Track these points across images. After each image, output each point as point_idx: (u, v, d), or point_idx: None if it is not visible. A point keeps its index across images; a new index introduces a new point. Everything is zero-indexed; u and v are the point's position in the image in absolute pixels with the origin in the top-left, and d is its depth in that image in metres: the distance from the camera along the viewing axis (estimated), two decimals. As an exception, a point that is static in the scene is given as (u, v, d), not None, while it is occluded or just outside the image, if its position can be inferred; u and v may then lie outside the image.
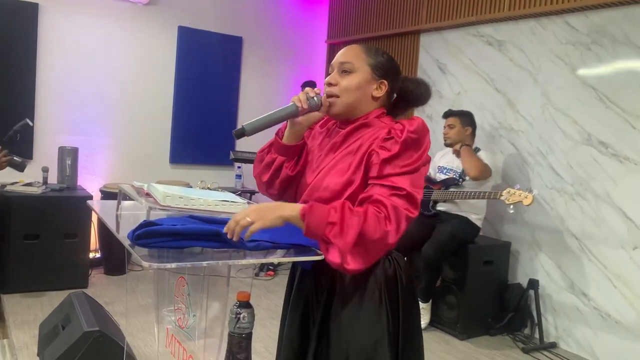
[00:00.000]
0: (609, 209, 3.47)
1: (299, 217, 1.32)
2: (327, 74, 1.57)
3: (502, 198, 3.41)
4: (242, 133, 1.44)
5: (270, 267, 4.79)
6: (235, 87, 5.62)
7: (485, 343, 3.70)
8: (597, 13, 3.56)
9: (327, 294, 1.49)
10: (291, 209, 1.34)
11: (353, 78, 1.49)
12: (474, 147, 3.85)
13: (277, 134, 1.60)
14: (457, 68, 4.56)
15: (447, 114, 3.95)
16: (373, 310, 1.44)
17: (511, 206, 3.36)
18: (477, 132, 4.22)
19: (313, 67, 6.03)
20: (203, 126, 5.41)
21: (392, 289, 1.47)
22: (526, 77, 3.99)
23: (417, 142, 1.40)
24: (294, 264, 1.70)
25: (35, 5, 4.50)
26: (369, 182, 1.40)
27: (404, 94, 1.59)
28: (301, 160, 1.58)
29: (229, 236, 1.32)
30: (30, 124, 3.35)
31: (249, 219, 1.31)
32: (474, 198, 3.66)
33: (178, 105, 5.26)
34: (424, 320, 3.83)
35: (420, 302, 3.84)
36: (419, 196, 1.40)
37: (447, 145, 3.93)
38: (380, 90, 1.52)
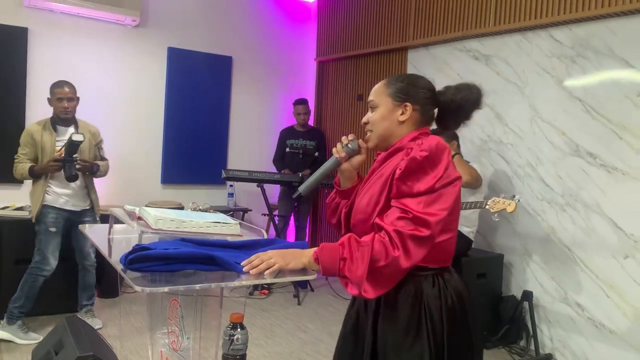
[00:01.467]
0: (599, 218, 3.50)
1: (313, 261, 1.43)
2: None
3: (487, 207, 3.43)
4: (300, 196, 1.70)
5: (265, 285, 4.77)
6: (226, 106, 5.64)
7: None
8: (581, 26, 3.62)
9: (372, 316, 1.56)
10: (307, 255, 1.45)
11: (378, 112, 1.60)
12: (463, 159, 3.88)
13: (335, 182, 1.73)
14: (445, 83, 4.52)
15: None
16: (413, 330, 1.48)
17: (495, 215, 3.38)
18: (467, 145, 4.26)
19: (303, 85, 6.06)
20: (194, 146, 5.42)
21: (435, 309, 1.49)
22: (513, 91, 4.04)
23: (430, 160, 1.43)
24: None
25: (25, 30, 4.52)
26: (391, 202, 1.46)
27: (445, 105, 1.62)
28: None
29: (245, 269, 1.41)
30: (78, 139, 3.38)
31: (272, 261, 1.42)
32: (462, 208, 3.68)
33: (169, 125, 5.28)
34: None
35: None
36: (435, 217, 1.40)
37: None
38: (405, 113, 1.58)
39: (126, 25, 5.00)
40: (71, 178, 3.44)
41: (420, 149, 1.43)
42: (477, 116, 4.58)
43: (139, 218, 1.56)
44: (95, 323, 3.73)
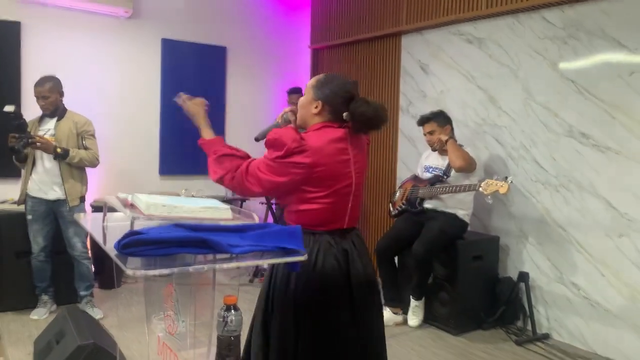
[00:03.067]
0: (592, 199, 3.53)
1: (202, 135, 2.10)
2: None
3: (480, 189, 3.45)
4: (257, 139, 2.09)
5: (265, 272, 4.80)
6: (222, 96, 5.65)
7: (479, 337, 3.74)
8: (572, 7, 3.62)
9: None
10: (207, 132, 2.11)
11: (302, 99, 2.02)
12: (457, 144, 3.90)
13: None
14: (439, 67, 4.62)
15: (422, 121, 3.96)
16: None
17: (489, 196, 3.40)
18: (462, 129, 4.28)
19: (298, 73, 6.07)
20: (191, 136, 5.31)
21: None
22: (507, 73, 4.05)
23: (275, 142, 1.86)
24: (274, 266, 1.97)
25: (17, 24, 4.52)
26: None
27: (352, 113, 1.93)
28: None
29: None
30: (10, 109, 3.52)
31: (189, 106, 2.25)
32: (456, 192, 3.70)
33: (165, 116, 5.29)
34: (417, 317, 3.87)
35: (413, 300, 3.89)
36: (263, 176, 1.86)
37: (435, 150, 3.96)
38: (317, 108, 1.96)
39: (119, 17, 5.00)
40: (14, 152, 3.57)
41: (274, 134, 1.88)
42: (471, 100, 4.62)
43: (132, 205, 1.58)
44: (96, 313, 3.77)
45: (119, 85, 5.07)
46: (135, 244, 1.35)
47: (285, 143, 1.82)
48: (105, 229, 1.75)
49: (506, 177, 3.41)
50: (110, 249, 1.41)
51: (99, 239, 1.61)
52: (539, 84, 3.83)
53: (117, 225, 1.78)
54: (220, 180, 1.94)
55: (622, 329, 3.38)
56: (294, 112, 2.08)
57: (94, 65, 4.92)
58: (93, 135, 3.88)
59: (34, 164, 3.74)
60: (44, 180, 3.73)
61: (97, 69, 4.94)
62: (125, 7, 4.82)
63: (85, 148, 3.81)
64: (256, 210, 5.59)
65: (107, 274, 4.46)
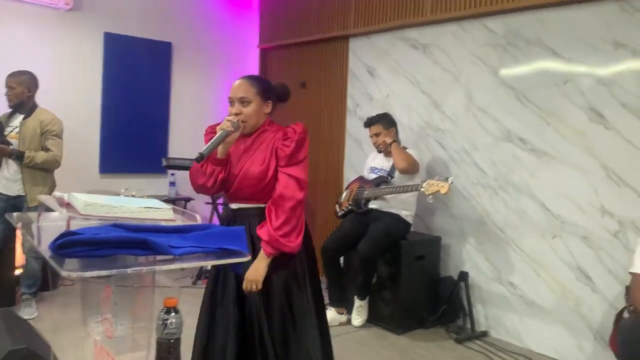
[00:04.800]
0: (529, 201, 3.68)
1: (268, 258, 2.09)
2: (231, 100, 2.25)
3: (422, 189, 3.54)
4: (202, 157, 1.99)
5: (208, 274, 4.72)
6: (166, 93, 5.53)
7: (421, 336, 3.83)
8: (512, 16, 3.76)
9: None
10: (264, 259, 2.09)
11: (251, 107, 2.15)
12: (401, 146, 3.97)
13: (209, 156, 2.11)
14: (385, 71, 4.69)
15: (368, 123, 4.05)
16: None
17: (430, 197, 3.50)
18: (406, 132, 4.37)
19: (246, 72, 5.91)
20: (134, 134, 5.29)
21: None
22: (450, 79, 4.16)
23: (304, 140, 2.14)
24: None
25: (-53, 12, 4.28)
26: (278, 169, 2.12)
27: (279, 98, 2.28)
28: (228, 165, 2.20)
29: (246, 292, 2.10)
30: None
31: (255, 280, 2.08)
32: (400, 192, 3.78)
33: (107, 113, 5.13)
34: (361, 317, 3.92)
35: (357, 300, 3.93)
36: (303, 179, 2.12)
37: (380, 152, 4.03)
38: (268, 108, 2.21)
39: (59, 8, 4.81)
40: None
41: (299, 132, 2.13)
42: (416, 104, 4.71)
43: (68, 204, 1.52)
44: (27, 313, 3.65)
45: (58, 80, 4.87)
46: (71, 244, 1.30)
47: (306, 138, 2.15)
48: (40, 229, 1.68)
49: (447, 178, 3.51)
50: (44, 249, 1.36)
51: (33, 239, 1.54)
52: (480, 89, 3.96)
53: (53, 225, 1.71)
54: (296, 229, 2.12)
55: (554, 325, 3.54)
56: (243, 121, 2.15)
57: (32, 58, 4.69)
58: (57, 136, 3.81)
59: (6, 162, 3.77)
60: (9, 178, 3.74)
61: (35, 62, 4.70)
62: (65, -2, 4.65)
63: (47, 149, 3.74)
64: (200, 210, 5.51)
65: (44, 276, 4.29)
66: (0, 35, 4.55)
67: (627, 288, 2.81)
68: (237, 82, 2.20)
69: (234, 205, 2.22)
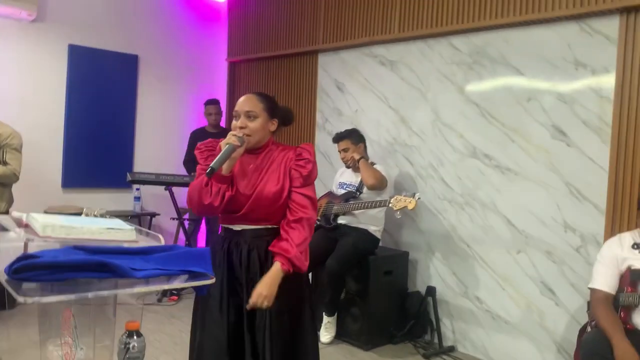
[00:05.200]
0: (494, 216, 3.73)
1: (283, 273, 2.03)
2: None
3: (390, 205, 3.57)
4: (213, 171, 1.94)
5: (174, 292, 4.65)
6: (132, 106, 5.45)
7: (389, 352, 3.82)
8: (477, 35, 3.84)
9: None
10: (279, 276, 2.02)
11: (257, 122, 2.10)
12: (369, 162, 4.00)
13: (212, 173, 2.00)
14: (354, 87, 4.72)
15: (337, 139, 4.07)
16: None
17: (398, 212, 3.53)
18: (375, 147, 4.39)
19: (214, 86, 5.97)
20: (98, 148, 5.19)
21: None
22: (417, 95, 4.22)
23: (311, 162, 2.16)
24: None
25: None
26: (292, 189, 2.12)
27: (282, 119, 2.22)
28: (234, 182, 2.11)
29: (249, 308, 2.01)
30: None
31: (266, 296, 1.98)
32: (368, 207, 3.80)
33: (70, 126, 5.02)
34: (330, 334, 3.89)
35: (325, 316, 3.91)
36: (315, 197, 2.19)
37: (348, 167, 4.05)
38: (274, 126, 2.18)
39: (22, 20, 4.71)
40: None
41: (313, 153, 2.17)
42: (384, 119, 4.75)
43: (26, 225, 1.47)
44: None
45: (20, 92, 4.76)
46: (28, 268, 1.25)
47: (313, 160, 2.17)
48: (-6, 251, 1.62)
49: (414, 194, 3.54)
50: (0, 272, 1.30)
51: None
52: (446, 106, 4.02)
53: (11, 246, 1.65)
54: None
55: (519, 339, 3.59)
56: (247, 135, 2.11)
57: (-9, 69, 4.59)
58: (16, 149, 3.75)
59: None
60: None
61: (-6, 74, 4.61)
62: (28, 9, 4.55)
63: (5, 162, 3.66)
64: (166, 225, 5.43)
65: (1, 294, 4.14)
66: (-41, 46, 4.42)
67: (589, 303, 2.87)
68: (245, 96, 2.15)
69: (237, 227, 2.12)
